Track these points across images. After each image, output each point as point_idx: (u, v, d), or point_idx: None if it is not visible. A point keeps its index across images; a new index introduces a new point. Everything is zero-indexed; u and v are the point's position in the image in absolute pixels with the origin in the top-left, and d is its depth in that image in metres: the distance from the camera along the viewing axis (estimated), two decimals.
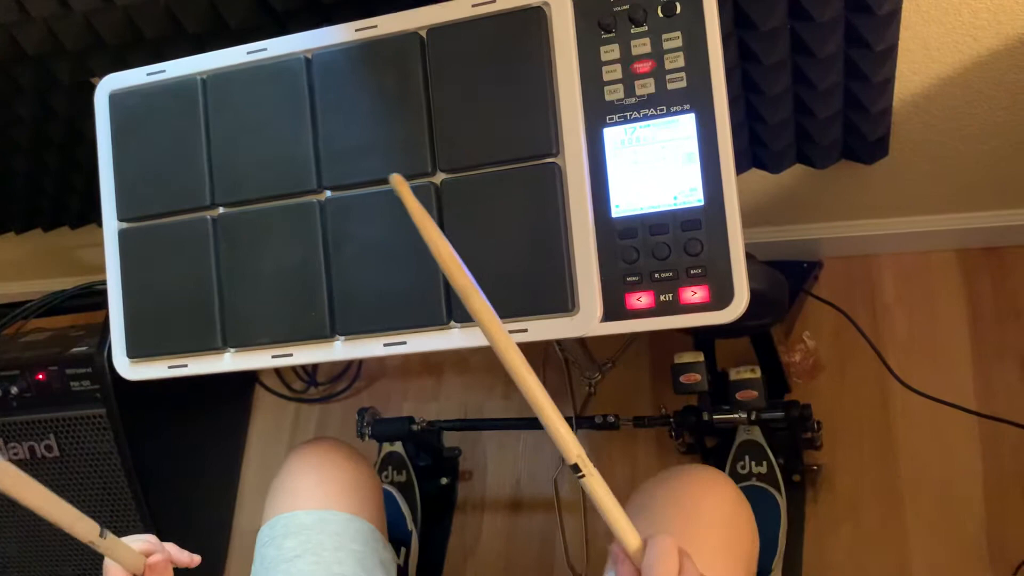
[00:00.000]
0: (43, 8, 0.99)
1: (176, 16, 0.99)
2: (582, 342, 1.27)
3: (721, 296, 0.72)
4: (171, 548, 0.75)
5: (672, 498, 0.77)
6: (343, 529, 0.85)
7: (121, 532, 0.71)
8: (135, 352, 0.87)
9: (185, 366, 0.85)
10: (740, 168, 1.15)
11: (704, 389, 1.03)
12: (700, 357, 1.04)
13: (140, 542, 0.72)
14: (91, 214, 1.45)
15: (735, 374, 1.07)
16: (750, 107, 1.05)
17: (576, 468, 0.56)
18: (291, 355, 0.82)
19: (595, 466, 0.57)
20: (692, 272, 0.72)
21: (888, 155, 1.11)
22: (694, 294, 0.72)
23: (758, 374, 1.06)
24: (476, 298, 0.53)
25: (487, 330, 0.53)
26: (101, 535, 0.67)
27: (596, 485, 0.56)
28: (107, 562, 0.70)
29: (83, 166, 1.33)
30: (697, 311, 0.72)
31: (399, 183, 0.55)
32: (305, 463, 0.90)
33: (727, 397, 1.14)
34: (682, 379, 1.04)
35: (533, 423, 1.30)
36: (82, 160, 1.31)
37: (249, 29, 0.98)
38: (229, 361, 0.84)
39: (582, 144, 0.75)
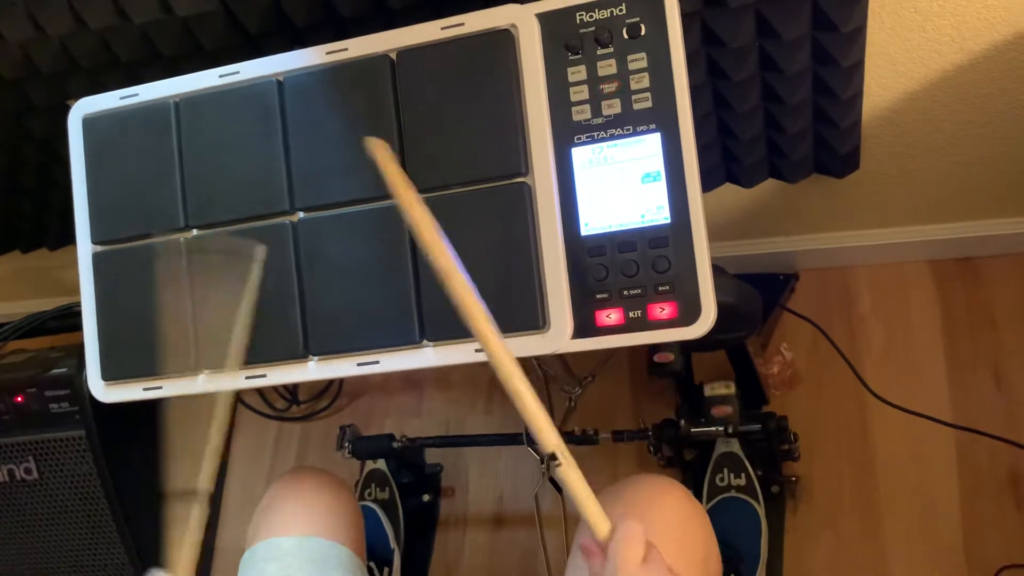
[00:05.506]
0: (19, 32, 0.99)
1: (151, 39, 0.99)
2: (561, 357, 1.28)
3: (689, 312, 0.73)
4: None
5: (622, 506, 0.78)
6: (323, 555, 0.86)
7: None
8: (110, 374, 0.87)
9: (160, 388, 0.85)
10: (713, 183, 1.16)
11: (678, 370, 1.00)
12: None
13: None
14: (70, 235, 1.45)
15: (709, 390, 1.07)
16: (721, 123, 1.06)
17: (553, 457, 0.57)
18: (264, 376, 0.82)
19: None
20: (660, 289, 0.73)
21: (859, 168, 1.12)
22: (662, 310, 0.73)
23: (732, 390, 1.05)
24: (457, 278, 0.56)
25: (473, 324, 0.54)
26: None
27: (571, 474, 0.57)
28: None
29: (61, 187, 1.33)
30: (665, 327, 0.73)
31: (377, 146, 0.54)
32: (286, 491, 0.91)
33: (704, 411, 1.15)
34: (656, 358, 1.00)
35: (514, 439, 1.32)
36: (60, 181, 1.32)
37: (223, 51, 0.99)
38: (203, 383, 0.84)
39: (551, 164, 0.76)
